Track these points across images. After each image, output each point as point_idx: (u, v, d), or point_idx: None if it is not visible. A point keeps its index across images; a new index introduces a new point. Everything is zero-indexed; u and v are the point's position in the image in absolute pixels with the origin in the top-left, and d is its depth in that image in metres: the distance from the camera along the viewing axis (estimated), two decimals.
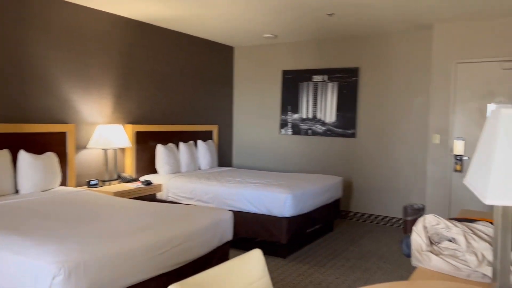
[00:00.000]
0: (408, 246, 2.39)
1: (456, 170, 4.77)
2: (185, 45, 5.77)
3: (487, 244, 1.86)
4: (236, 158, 6.79)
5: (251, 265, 1.47)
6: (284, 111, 6.29)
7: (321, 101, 5.97)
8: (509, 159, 1.08)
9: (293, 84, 6.19)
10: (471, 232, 1.93)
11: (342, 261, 4.05)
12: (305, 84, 6.08)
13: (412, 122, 5.35)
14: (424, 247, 1.98)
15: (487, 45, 4.58)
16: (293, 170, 6.23)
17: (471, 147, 4.69)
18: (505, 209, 1.27)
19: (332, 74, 5.86)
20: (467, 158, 4.71)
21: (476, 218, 2.30)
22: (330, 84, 5.88)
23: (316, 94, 6.00)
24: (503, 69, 4.50)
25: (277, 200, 3.99)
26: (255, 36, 5.87)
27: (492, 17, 4.53)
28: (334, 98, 5.86)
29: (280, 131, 6.32)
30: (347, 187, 5.81)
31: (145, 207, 3.21)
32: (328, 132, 5.91)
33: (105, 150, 4.54)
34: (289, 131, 6.24)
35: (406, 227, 5.13)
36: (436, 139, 4.90)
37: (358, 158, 5.72)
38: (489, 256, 1.81)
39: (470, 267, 1.80)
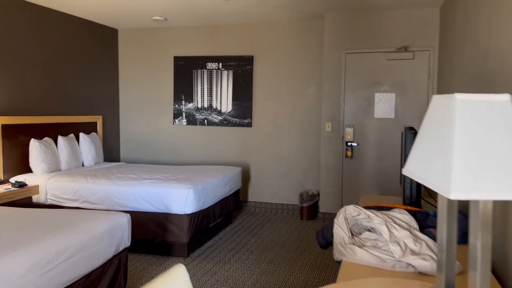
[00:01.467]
0: (325, 237, 2.33)
1: (347, 156, 5.00)
2: (62, 26, 5.04)
3: (407, 232, 1.86)
4: (124, 152, 6.24)
5: (176, 286, 1.21)
6: (177, 100, 5.93)
7: (216, 90, 5.76)
8: (470, 148, 1.00)
9: (186, 71, 5.86)
10: (391, 221, 1.92)
11: (246, 254, 3.94)
12: (199, 71, 5.81)
13: (306, 110, 5.46)
14: (346, 239, 1.91)
15: (374, 36, 4.84)
16: (189, 162, 5.95)
17: (359, 134, 4.94)
18: (450, 201, 1.22)
19: (226, 62, 5.69)
20: (356, 144, 4.96)
21: (389, 205, 2.33)
22: (225, 72, 5.70)
23: (211, 82, 5.77)
24: (388, 59, 4.81)
25: (177, 196, 3.70)
26: (143, 18, 5.39)
27: (378, 9, 4.79)
28: (229, 87, 5.70)
29: (174, 121, 5.97)
30: (245, 177, 5.74)
31: (19, 215, 2.66)
32: (225, 122, 5.75)
33: None
34: (184, 121, 5.92)
35: (302, 213, 5.25)
36: (328, 126, 5.06)
37: (255, 147, 5.68)
38: (411, 244, 1.81)
39: (394, 257, 1.78)
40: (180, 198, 3.69)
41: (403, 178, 2.47)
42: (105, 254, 2.55)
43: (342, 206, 5.05)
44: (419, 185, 2.48)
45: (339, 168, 5.04)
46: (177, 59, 5.89)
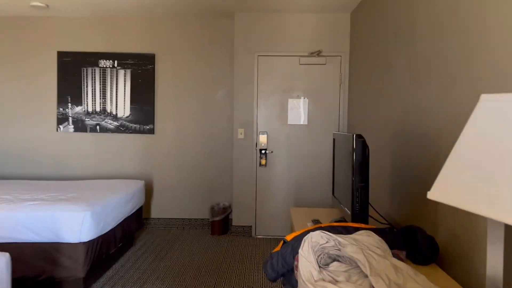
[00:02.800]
0: (275, 269, 1.94)
1: (261, 165, 4.70)
2: None
3: (387, 261, 1.56)
4: None
5: None
6: (62, 103, 5.03)
7: (111, 92, 5.01)
8: None
9: (73, 69, 5.00)
10: (366, 248, 1.61)
11: (156, 283, 3.36)
12: (89, 70, 5.00)
13: (217, 116, 5.04)
14: (315, 275, 1.54)
15: (287, 39, 4.63)
16: (80, 176, 5.08)
17: (274, 141, 4.68)
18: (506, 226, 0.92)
19: (123, 59, 4.99)
20: (271, 152, 4.69)
21: (345, 224, 2.03)
22: (121, 72, 4.99)
23: (105, 83, 5.01)
24: (301, 64, 4.64)
25: (71, 221, 2.98)
26: (17, 4, 4.43)
27: (291, 11, 4.60)
28: (127, 88, 5.01)
29: (58, 127, 5.04)
30: (147, 191, 5.09)
31: None
32: (122, 128, 5.02)
33: None
34: (71, 127, 5.04)
35: (214, 228, 4.80)
36: (241, 133, 4.72)
37: (158, 157, 5.07)
38: (393, 275, 1.51)
39: None
40: (73, 224, 2.97)
41: (353, 192, 2.20)
42: None
43: (256, 218, 4.73)
44: (367, 200, 2.24)
45: (253, 178, 4.71)
46: (62, 55, 4.99)
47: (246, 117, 4.69)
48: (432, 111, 2.22)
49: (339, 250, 1.61)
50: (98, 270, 3.42)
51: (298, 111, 4.66)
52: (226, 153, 5.04)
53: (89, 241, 3.04)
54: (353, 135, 2.20)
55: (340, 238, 1.61)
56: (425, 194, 2.30)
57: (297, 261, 1.74)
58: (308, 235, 1.63)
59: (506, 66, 1.61)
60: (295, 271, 1.71)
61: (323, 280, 1.54)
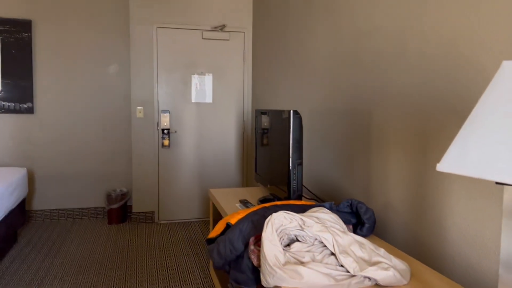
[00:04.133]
0: (222, 256, 1.79)
1: (164, 146, 4.41)
2: None
3: (350, 237, 1.53)
4: None
5: None
6: None
7: None
8: None
9: None
10: (330, 226, 1.55)
11: (55, 284, 2.92)
12: None
13: (111, 93, 4.54)
14: (281, 258, 1.44)
15: (188, 11, 4.36)
16: None
17: (177, 120, 4.42)
18: None
19: None
20: (174, 132, 4.43)
21: (288, 202, 1.95)
22: None
23: None
24: (204, 38, 4.42)
25: None
26: None
27: None
28: None
29: None
30: (29, 180, 4.40)
31: None
32: None
33: None
34: None
35: (111, 217, 4.39)
36: (140, 112, 4.34)
37: (40, 140, 4.40)
38: (358, 251, 1.48)
39: (347, 272, 1.42)
40: None
41: (290, 169, 2.14)
42: None
43: (159, 203, 4.45)
44: (301, 177, 2.20)
45: (155, 160, 4.40)
46: None
47: (145, 95, 4.32)
48: (359, 89, 2.26)
49: (301, 229, 1.53)
50: None
51: (203, 88, 4.45)
52: (123, 134, 4.61)
53: None
54: (289, 111, 2.13)
55: (304, 217, 1.53)
56: (349, 169, 2.36)
57: (252, 244, 1.62)
58: (270, 216, 1.52)
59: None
60: (250, 256, 1.59)
61: (289, 263, 1.45)
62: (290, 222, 1.52)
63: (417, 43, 1.81)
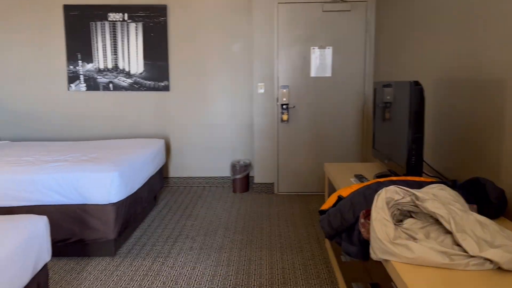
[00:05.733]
0: (333, 227, 1.82)
1: (283, 121, 4.53)
2: None
3: (471, 216, 1.43)
4: (2, 126, 4.95)
5: None
6: (72, 60, 4.80)
7: (123, 47, 4.76)
8: None
9: (81, 24, 4.73)
10: (447, 203, 1.47)
11: (187, 242, 3.29)
12: (99, 24, 4.72)
13: (235, 70, 4.81)
14: (392, 233, 1.41)
15: None
16: (94, 136, 4.94)
17: (296, 95, 4.49)
18: None
19: (134, 12, 4.70)
20: (293, 107, 4.52)
21: (407, 178, 1.89)
22: (132, 25, 4.72)
23: (116, 37, 4.75)
24: (324, 11, 4.36)
25: (98, 182, 2.86)
26: None
27: None
28: (139, 43, 4.75)
29: (69, 86, 4.84)
30: (166, 150, 4.96)
31: None
32: (136, 86, 4.82)
33: None
34: (82, 86, 4.84)
35: (235, 186, 4.71)
36: (261, 88, 4.52)
37: (175, 115, 4.89)
38: (479, 232, 1.38)
39: (465, 253, 1.34)
40: (102, 184, 2.85)
41: (409, 144, 2.04)
42: (20, 280, 1.71)
43: (278, 175, 4.63)
44: (422, 152, 2.09)
45: (274, 134, 4.56)
46: (68, 8, 4.70)
47: (266, 71, 4.47)
48: (491, 57, 2.02)
49: (414, 206, 1.48)
50: (127, 231, 3.35)
51: (322, 62, 4.43)
52: (245, 109, 4.86)
53: (118, 201, 2.93)
54: (409, 83, 2.01)
55: (418, 192, 1.47)
56: (481, 145, 2.14)
57: (363, 218, 1.61)
58: (381, 190, 1.49)
59: None
60: (360, 229, 1.59)
61: (400, 238, 1.41)
62: (403, 198, 1.47)
63: None
